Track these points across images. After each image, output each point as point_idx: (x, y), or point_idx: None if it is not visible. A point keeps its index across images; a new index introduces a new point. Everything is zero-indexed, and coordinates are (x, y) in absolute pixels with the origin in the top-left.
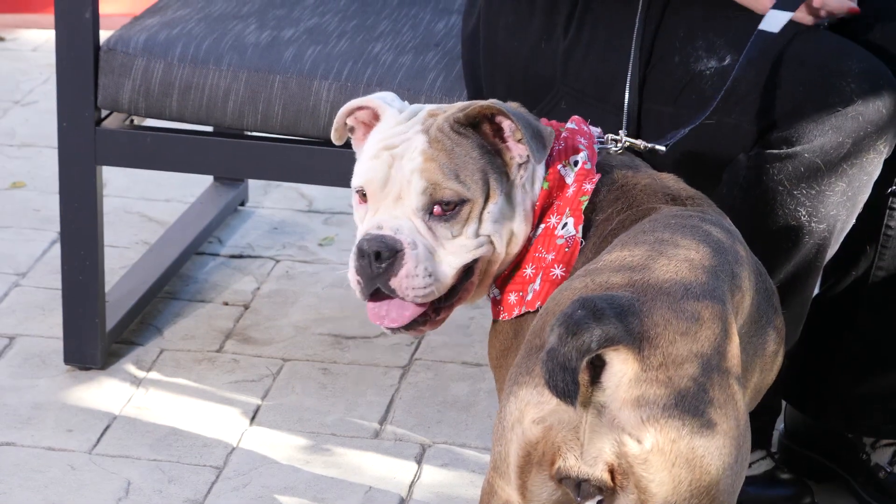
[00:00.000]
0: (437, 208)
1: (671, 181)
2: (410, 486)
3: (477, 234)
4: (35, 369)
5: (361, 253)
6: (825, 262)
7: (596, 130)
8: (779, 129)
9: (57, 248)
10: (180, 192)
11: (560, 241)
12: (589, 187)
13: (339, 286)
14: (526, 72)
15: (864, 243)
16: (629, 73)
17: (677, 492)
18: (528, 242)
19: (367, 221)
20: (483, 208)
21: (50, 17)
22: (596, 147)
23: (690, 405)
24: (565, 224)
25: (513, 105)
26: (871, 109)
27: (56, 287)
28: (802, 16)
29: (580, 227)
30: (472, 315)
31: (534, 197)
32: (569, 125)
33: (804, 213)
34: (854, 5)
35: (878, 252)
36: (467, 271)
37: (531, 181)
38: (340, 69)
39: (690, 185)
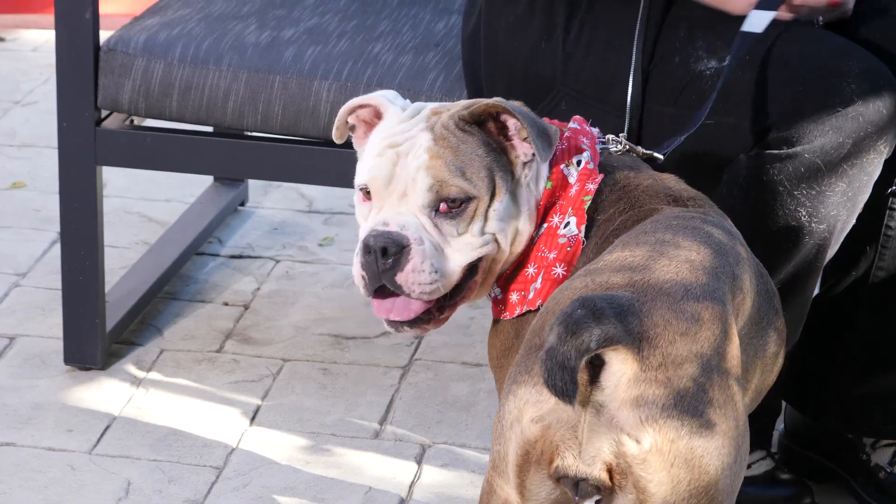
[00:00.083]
0: (443, 205)
1: (672, 182)
2: (410, 487)
3: (482, 232)
4: (35, 369)
5: (367, 249)
6: (825, 263)
7: (595, 131)
8: (779, 129)
9: (57, 248)
10: (180, 192)
11: (562, 241)
12: (592, 187)
13: (339, 286)
14: (526, 72)
15: (865, 243)
16: (631, 74)
17: (676, 492)
18: (532, 242)
19: (372, 219)
20: (489, 206)
21: (50, 17)
22: (598, 147)
23: (689, 405)
24: (568, 223)
25: (516, 104)
26: (872, 110)
27: (56, 287)
28: (780, 13)
29: (583, 227)
30: (472, 315)
31: (538, 196)
32: (571, 125)
33: (804, 213)
34: None
35: (878, 252)
36: (471, 270)
37: (535, 180)
38: (340, 69)
39: (691, 186)
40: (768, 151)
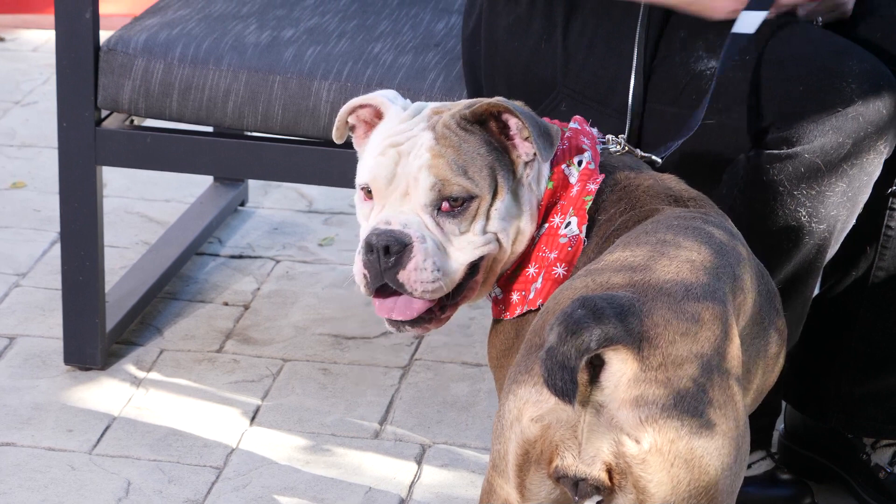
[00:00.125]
0: (445, 204)
1: (673, 182)
2: (410, 487)
3: (484, 231)
4: (35, 369)
5: (370, 247)
6: (825, 263)
7: (594, 131)
8: (779, 129)
9: (57, 248)
10: (180, 192)
11: (563, 241)
12: (593, 187)
13: (339, 286)
14: (526, 72)
15: (865, 244)
16: (632, 75)
17: (676, 492)
18: (532, 241)
19: (374, 217)
20: (490, 205)
21: (50, 17)
22: (598, 148)
23: (689, 406)
24: (569, 223)
25: (518, 104)
26: (872, 110)
27: (56, 287)
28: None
29: (584, 227)
30: (472, 315)
31: (539, 195)
32: (572, 125)
33: (804, 213)
34: None
35: (878, 252)
36: (472, 269)
37: (537, 180)
38: (340, 69)
39: (691, 186)
40: (768, 151)
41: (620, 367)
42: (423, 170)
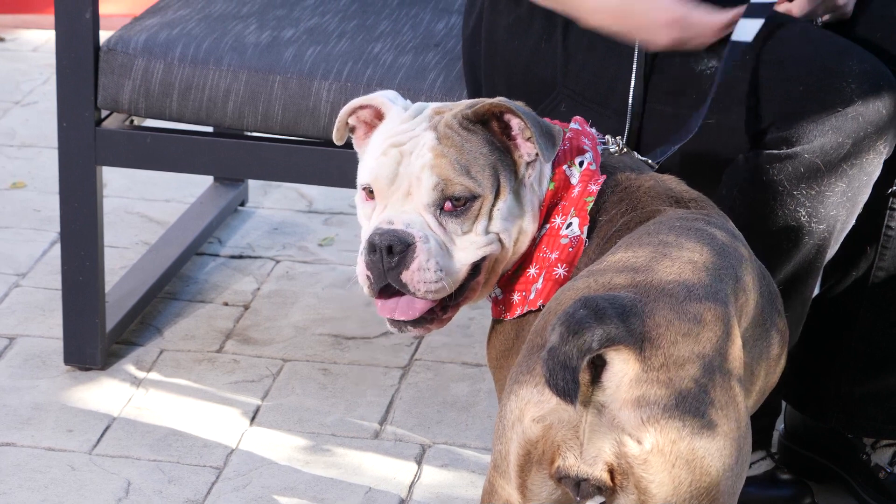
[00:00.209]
0: (447, 204)
1: (674, 183)
2: (410, 487)
3: (487, 231)
4: (35, 369)
5: (373, 247)
6: (825, 263)
7: (593, 131)
8: (778, 129)
9: (57, 248)
10: (180, 192)
11: (564, 241)
12: (594, 188)
13: (339, 286)
14: (526, 73)
15: (865, 244)
16: (632, 75)
17: (677, 493)
18: (533, 242)
19: (376, 217)
20: (493, 205)
21: (50, 17)
22: (599, 148)
23: (691, 406)
24: (570, 224)
25: (519, 104)
26: (872, 110)
27: (56, 287)
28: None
29: (585, 228)
30: (472, 315)
31: (541, 196)
32: (572, 126)
33: (804, 213)
34: None
35: (878, 252)
36: (474, 270)
37: (538, 180)
38: (340, 69)
39: (691, 187)
40: (768, 151)
41: (622, 368)
42: (425, 169)
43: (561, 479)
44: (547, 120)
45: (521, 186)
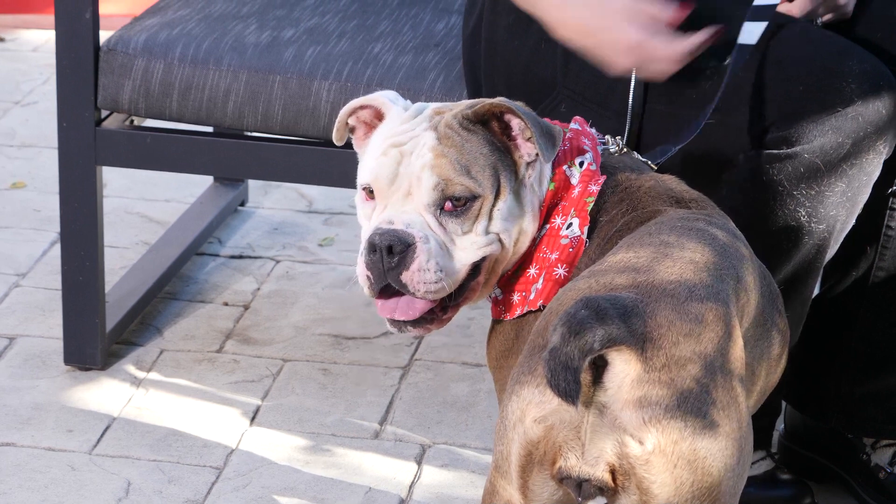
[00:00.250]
0: (448, 204)
1: (674, 183)
2: (410, 487)
3: (487, 231)
4: (35, 369)
5: (373, 247)
6: (825, 263)
7: (593, 131)
8: (778, 129)
9: (57, 248)
10: (180, 192)
11: (564, 242)
12: (595, 188)
13: (339, 286)
14: (526, 73)
15: (865, 244)
16: (633, 75)
17: (679, 493)
18: (533, 243)
19: (376, 217)
20: (493, 205)
21: (50, 18)
22: (599, 149)
23: (693, 406)
24: (570, 224)
25: (520, 104)
26: (871, 110)
27: (56, 287)
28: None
29: (585, 228)
30: (472, 315)
31: (541, 196)
32: (573, 126)
33: (804, 213)
34: None
35: (878, 252)
36: (474, 270)
37: (539, 181)
38: (340, 69)
39: (691, 186)
40: (767, 151)
41: (624, 368)
42: (425, 169)
43: (562, 479)
44: (547, 120)
45: (522, 187)
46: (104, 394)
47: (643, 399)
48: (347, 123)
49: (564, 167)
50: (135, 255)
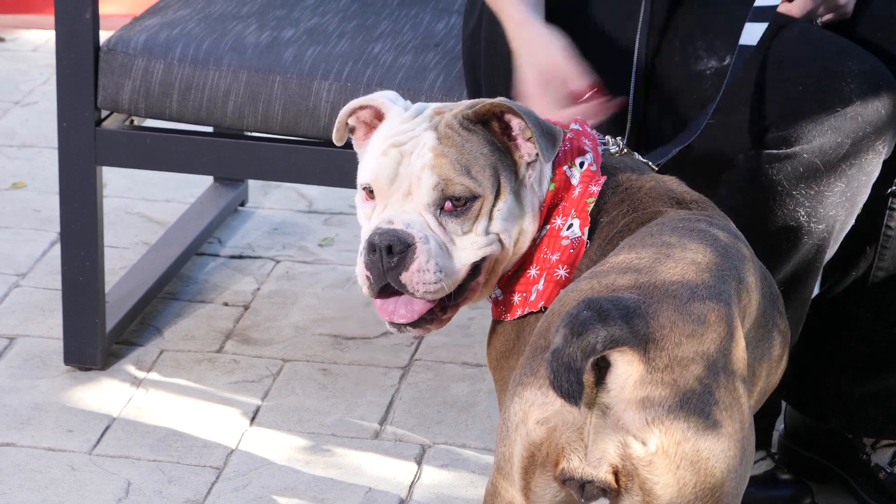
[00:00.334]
0: (448, 204)
1: (675, 184)
2: (410, 487)
3: (487, 232)
4: (35, 370)
5: (372, 247)
6: (824, 263)
7: (594, 132)
8: (778, 129)
9: (57, 248)
10: (180, 192)
11: (565, 243)
12: (595, 189)
13: (339, 286)
14: None
15: (864, 244)
16: (632, 76)
17: (682, 494)
18: (534, 243)
19: (376, 217)
20: (493, 205)
21: (50, 18)
22: (599, 149)
23: (696, 407)
24: (570, 225)
25: (520, 104)
26: (871, 110)
27: (56, 287)
28: None
29: (586, 229)
30: (472, 315)
31: (541, 197)
32: (573, 126)
33: (803, 213)
34: None
35: (877, 252)
36: (474, 270)
37: (539, 181)
38: (340, 69)
39: (691, 187)
40: (767, 151)
41: (626, 369)
42: (425, 169)
43: (565, 481)
44: (547, 120)
45: (522, 187)
46: (104, 394)
47: (646, 400)
48: (347, 124)
49: (565, 167)
50: (135, 255)
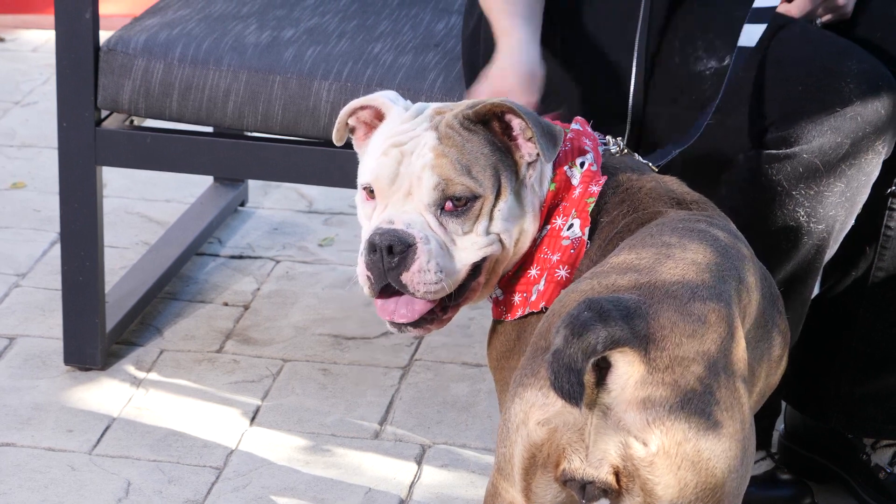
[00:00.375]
0: (448, 204)
1: (675, 185)
2: (410, 487)
3: (487, 232)
4: (35, 370)
5: (373, 247)
6: (824, 263)
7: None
8: (777, 129)
9: (57, 248)
10: (180, 192)
11: (566, 243)
12: (595, 189)
13: (339, 286)
14: None
15: (864, 244)
16: (632, 76)
17: (683, 494)
18: (534, 243)
19: (377, 217)
20: (494, 206)
21: (50, 18)
22: (600, 149)
23: (696, 407)
24: (571, 225)
25: (520, 104)
26: (870, 110)
27: (56, 287)
28: None
29: (586, 230)
30: (472, 315)
31: (542, 197)
32: (574, 126)
33: (803, 213)
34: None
35: (877, 252)
36: (474, 270)
37: (539, 181)
38: (340, 69)
39: (691, 187)
40: (767, 151)
41: (627, 370)
42: (426, 169)
43: (566, 481)
44: (548, 120)
45: (522, 187)
46: (104, 394)
47: (647, 400)
48: (347, 124)
49: (565, 168)
50: (135, 255)
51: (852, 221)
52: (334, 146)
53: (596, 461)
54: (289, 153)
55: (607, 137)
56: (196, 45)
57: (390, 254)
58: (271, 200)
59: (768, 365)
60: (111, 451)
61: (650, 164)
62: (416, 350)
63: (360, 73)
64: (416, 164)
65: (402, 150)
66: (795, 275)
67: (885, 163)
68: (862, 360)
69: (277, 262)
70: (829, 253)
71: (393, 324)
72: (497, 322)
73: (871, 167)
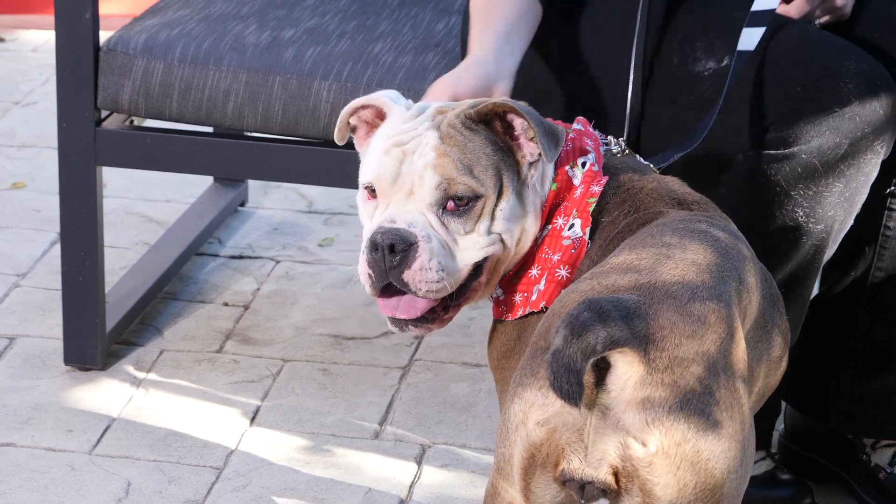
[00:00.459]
0: (450, 203)
1: (676, 185)
2: (410, 487)
3: (489, 231)
4: (35, 370)
5: (374, 246)
6: (823, 263)
7: (596, 132)
8: (776, 129)
9: (57, 249)
10: (180, 192)
11: (567, 243)
12: (597, 189)
13: (339, 286)
14: (524, 75)
15: (863, 244)
16: (630, 77)
17: (682, 495)
18: (535, 243)
19: (379, 216)
20: (496, 205)
21: (50, 18)
22: (601, 150)
23: (696, 408)
24: (572, 225)
25: (522, 104)
26: (869, 110)
27: (56, 287)
28: None
29: (587, 229)
30: (472, 315)
31: (543, 197)
32: (575, 126)
33: (802, 213)
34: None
35: (876, 252)
36: (475, 270)
37: (541, 181)
38: (340, 69)
39: (692, 187)
40: (766, 152)
41: (626, 370)
42: (428, 168)
43: (565, 482)
44: (550, 120)
45: (524, 187)
46: (104, 394)
47: (646, 401)
48: (349, 123)
49: (567, 167)
50: (135, 255)
51: (851, 221)
52: (334, 146)
53: (595, 461)
54: (289, 153)
55: (609, 137)
56: (196, 45)
57: (392, 252)
58: (271, 200)
59: (768, 365)
60: (111, 451)
61: (652, 167)
62: (416, 350)
63: (360, 74)
64: (418, 164)
65: (403, 150)
66: (794, 275)
67: (883, 163)
68: (861, 360)
69: (277, 262)
70: (829, 253)
71: (394, 322)
72: (498, 322)
73: (869, 167)
